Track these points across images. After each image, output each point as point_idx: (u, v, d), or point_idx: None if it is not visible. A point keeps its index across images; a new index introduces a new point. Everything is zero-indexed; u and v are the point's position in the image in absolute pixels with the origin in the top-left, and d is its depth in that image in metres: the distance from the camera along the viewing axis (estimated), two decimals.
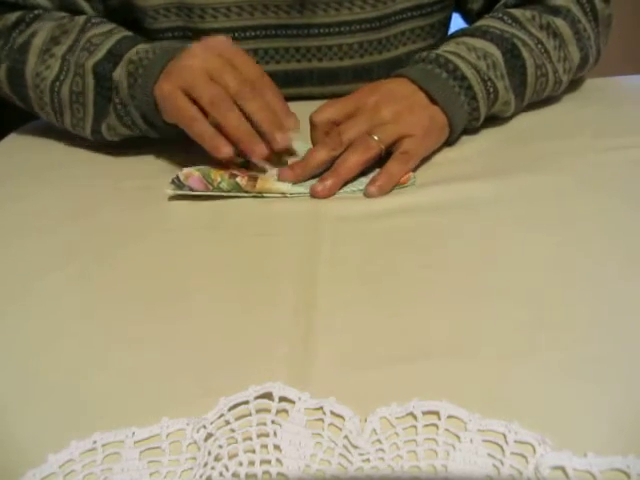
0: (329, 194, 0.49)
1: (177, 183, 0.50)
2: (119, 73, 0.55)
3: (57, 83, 0.58)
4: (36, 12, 0.62)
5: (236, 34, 0.65)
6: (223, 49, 0.51)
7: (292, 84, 0.69)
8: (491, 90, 0.55)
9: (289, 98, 0.69)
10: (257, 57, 0.66)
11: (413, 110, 0.52)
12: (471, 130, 0.58)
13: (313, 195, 0.49)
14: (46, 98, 0.59)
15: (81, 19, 0.61)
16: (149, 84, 0.52)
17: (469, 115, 0.55)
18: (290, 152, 0.53)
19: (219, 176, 0.50)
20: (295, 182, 0.50)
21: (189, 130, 0.50)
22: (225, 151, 0.48)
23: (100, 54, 0.57)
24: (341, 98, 0.53)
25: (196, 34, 0.65)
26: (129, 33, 0.59)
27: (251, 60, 0.52)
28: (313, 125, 0.53)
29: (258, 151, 0.48)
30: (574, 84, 0.67)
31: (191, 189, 0.50)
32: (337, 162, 0.50)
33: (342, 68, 0.68)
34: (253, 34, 0.65)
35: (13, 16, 0.61)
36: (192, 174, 0.50)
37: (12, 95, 0.63)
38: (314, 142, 0.53)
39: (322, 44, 0.66)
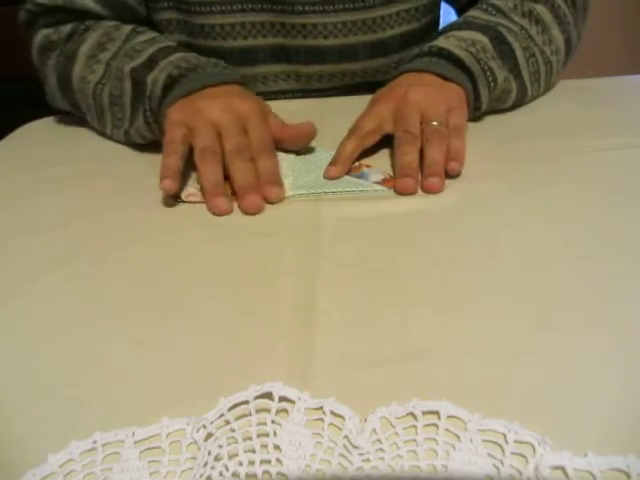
0: (441, 189, 0.49)
1: (178, 201, 0.50)
2: (153, 78, 0.56)
3: (99, 86, 0.60)
4: (87, 23, 0.64)
5: (222, 7, 0.66)
6: (245, 110, 0.52)
7: (279, 60, 0.70)
8: (486, 68, 0.57)
9: (278, 76, 0.70)
10: (244, 30, 0.67)
11: (437, 88, 0.55)
12: (472, 128, 0.57)
13: (426, 190, 0.48)
14: (90, 100, 0.61)
15: (127, 28, 0.63)
16: (169, 102, 0.54)
17: (473, 93, 0.56)
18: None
19: None
20: (412, 190, 0.48)
21: (163, 155, 0.50)
22: (166, 184, 0.48)
23: (140, 60, 0.58)
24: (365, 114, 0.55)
25: (186, 9, 0.66)
26: (170, 43, 0.61)
27: (265, 128, 0.52)
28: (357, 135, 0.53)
29: (217, 204, 0.48)
30: (575, 83, 0.68)
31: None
32: (428, 163, 0.49)
33: (327, 47, 0.68)
34: (240, 7, 0.66)
35: (67, 28, 0.64)
36: (195, 193, 0.51)
37: (64, 102, 0.65)
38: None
39: (307, 22, 0.66)
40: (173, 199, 0.50)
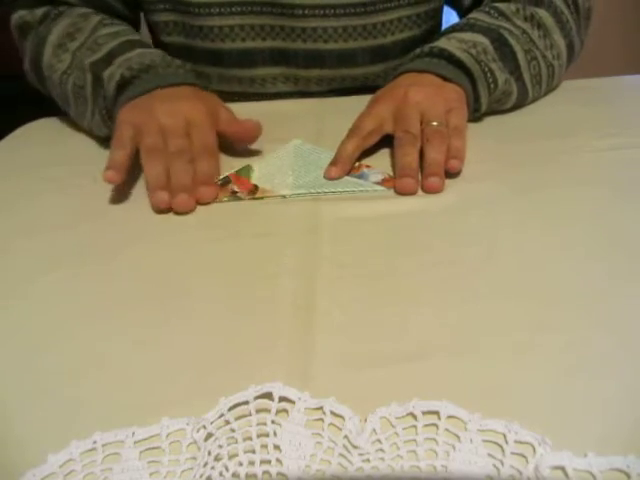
0: (441, 189, 0.49)
1: None
2: (108, 75, 0.57)
3: (65, 76, 0.61)
4: (61, 9, 0.66)
5: (221, 9, 0.66)
6: (190, 113, 0.53)
7: (278, 63, 0.70)
8: (486, 70, 0.57)
9: (277, 79, 0.71)
10: (243, 33, 0.67)
11: (437, 88, 0.55)
12: (472, 128, 0.58)
13: (426, 190, 0.49)
14: (57, 89, 0.63)
15: (95, 19, 0.64)
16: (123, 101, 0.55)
17: (473, 94, 0.57)
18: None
19: (220, 195, 0.51)
20: (412, 190, 0.49)
21: (111, 150, 0.52)
22: (109, 175, 0.49)
23: (100, 54, 0.59)
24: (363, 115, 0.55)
25: (184, 10, 0.66)
26: (132, 37, 0.62)
27: (209, 132, 0.54)
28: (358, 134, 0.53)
29: (155, 199, 0.49)
30: (575, 84, 0.68)
31: None
32: (428, 163, 0.50)
33: (327, 51, 0.68)
34: (239, 9, 0.66)
35: (40, 11, 0.66)
36: None
37: (38, 84, 0.67)
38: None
39: (307, 25, 0.66)
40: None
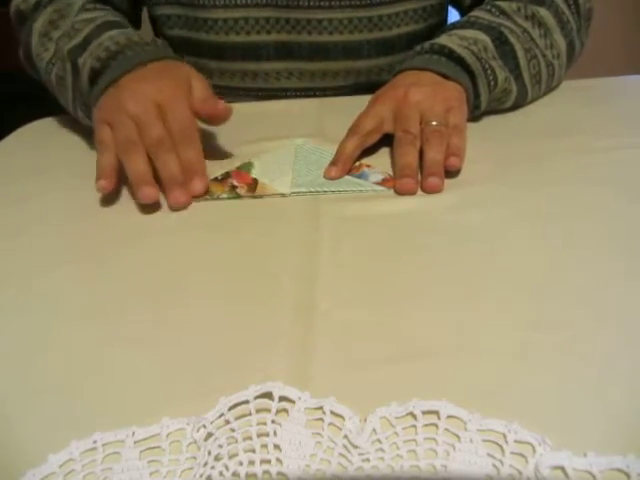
0: (441, 189, 0.49)
1: None
2: (82, 62, 0.56)
3: (50, 65, 0.61)
4: None
5: (226, 1, 0.66)
6: (161, 95, 0.50)
7: (282, 57, 0.70)
8: (487, 67, 0.57)
9: (280, 73, 0.71)
10: (247, 26, 0.67)
11: (437, 87, 0.55)
12: (472, 128, 0.58)
13: (426, 190, 0.48)
14: (45, 78, 0.63)
15: (77, 4, 0.63)
16: (97, 94, 0.53)
17: (473, 91, 0.57)
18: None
19: (220, 190, 0.51)
20: (412, 190, 0.48)
21: (97, 156, 0.51)
22: (102, 184, 0.48)
23: (76, 40, 0.58)
24: (363, 114, 0.55)
25: (188, 3, 0.66)
26: (110, 18, 0.60)
27: (185, 112, 0.51)
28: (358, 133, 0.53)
29: (143, 193, 0.47)
30: (575, 84, 0.68)
31: None
32: (427, 163, 0.50)
33: (331, 43, 0.68)
34: (244, 2, 0.66)
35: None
36: None
37: (33, 73, 0.66)
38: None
39: (312, 17, 0.67)
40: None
